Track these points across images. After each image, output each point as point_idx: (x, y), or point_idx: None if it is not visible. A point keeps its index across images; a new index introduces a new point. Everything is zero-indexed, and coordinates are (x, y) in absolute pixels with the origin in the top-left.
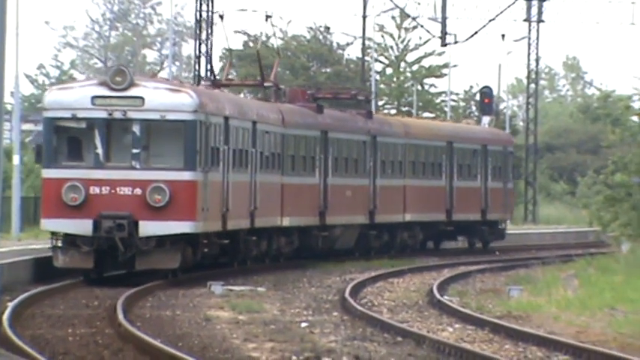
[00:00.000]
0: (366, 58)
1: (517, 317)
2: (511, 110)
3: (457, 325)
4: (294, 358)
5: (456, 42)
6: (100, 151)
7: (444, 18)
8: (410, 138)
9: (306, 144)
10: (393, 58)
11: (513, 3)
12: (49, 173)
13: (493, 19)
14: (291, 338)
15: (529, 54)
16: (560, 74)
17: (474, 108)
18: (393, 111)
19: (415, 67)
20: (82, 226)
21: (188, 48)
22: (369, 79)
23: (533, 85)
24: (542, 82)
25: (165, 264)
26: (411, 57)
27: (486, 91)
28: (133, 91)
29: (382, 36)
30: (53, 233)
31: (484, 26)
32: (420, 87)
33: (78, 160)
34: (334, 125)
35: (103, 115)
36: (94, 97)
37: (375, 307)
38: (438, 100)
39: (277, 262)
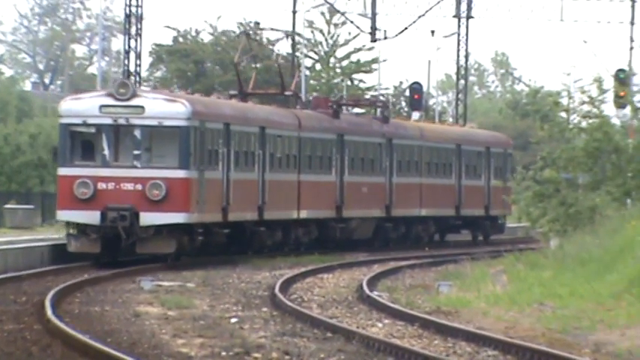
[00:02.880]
0: (296, 53)
1: (446, 313)
2: (440, 106)
3: (387, 321)
4: (223, 353)
5: (385, 38)
6: (106, 152)
7: (374, 14)
8: (425, 140)
9: (322, 146)
10: (322, 53)
11: None
12: (63, 171)
13: (423, 15)
14: (220, 334)
15: (458, 50)
16: (489, 70)
17: (403, 104)
18: None
19: (345, 63)
20: (91, 217)
21: (118, 43)
22: (298, 75)
23: (462, 81)
24: (471, 79)
25: (162, 249)
26: (340, 52)
27: (416, 87)
28: (134, 101)
29: (312, 32)
30: (68, 223)
31: (414, 22)
32: (349, 82)
33: (88, 160)
34: (350, 129)
35: (109, 121)
36: (101, 106)
37: (305, 303)
38: (367, 96)
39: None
